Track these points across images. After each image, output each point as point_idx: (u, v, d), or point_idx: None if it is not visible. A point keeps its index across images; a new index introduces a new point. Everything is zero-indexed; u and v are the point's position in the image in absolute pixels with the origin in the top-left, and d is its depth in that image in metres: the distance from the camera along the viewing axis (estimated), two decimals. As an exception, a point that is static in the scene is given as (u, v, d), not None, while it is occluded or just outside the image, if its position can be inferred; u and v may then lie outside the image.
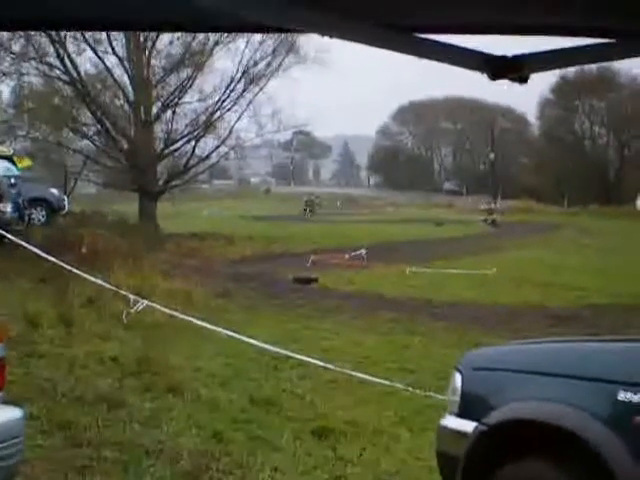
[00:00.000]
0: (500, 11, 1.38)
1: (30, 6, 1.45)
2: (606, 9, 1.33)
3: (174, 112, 34.36)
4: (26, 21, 1.70)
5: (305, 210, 52.48)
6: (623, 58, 1.47)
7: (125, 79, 33.53)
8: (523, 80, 1.32)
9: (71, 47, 30.90)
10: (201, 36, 29.14)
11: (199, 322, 11.70)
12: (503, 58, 1.30)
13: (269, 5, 1.28)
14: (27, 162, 26.36)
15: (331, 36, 1.42)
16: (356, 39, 1.36)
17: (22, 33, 26.23)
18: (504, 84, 1.38)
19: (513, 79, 1.31)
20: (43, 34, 27.69)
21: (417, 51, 1.33)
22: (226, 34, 29.94)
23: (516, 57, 1.30)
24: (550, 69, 1.37)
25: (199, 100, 34.50)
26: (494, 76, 1.30)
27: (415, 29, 1.37)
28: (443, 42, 1.31)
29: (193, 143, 34.57)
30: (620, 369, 4.57)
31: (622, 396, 4.36)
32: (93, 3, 1.42)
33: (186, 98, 34.25)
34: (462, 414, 5.09)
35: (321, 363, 10.06)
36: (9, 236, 15.68)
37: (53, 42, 29.99)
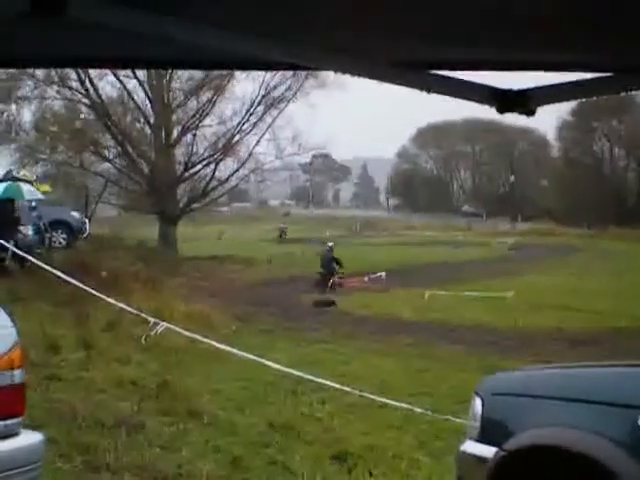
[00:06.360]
0: (501, 48, 1.42)
1: (55, 45, 1.48)
2: (607, 44, 1.36)
3: (194, 135, 34.62)
4: (52, 58, 1.74)
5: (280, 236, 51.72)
6: (627, 91, 1.49)
7: (146, 103, 33.82)
8: (530, 113, 1.34)
9: (92, 71, 31.22)
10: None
11: (218, 345, 11.71)
12: (509, 92, 1.33)
13: (276, 44, 1.30)
14: (45, 188, 26.51)
15: (340, 72, 1.45)
16: (365, 75, 1.39)
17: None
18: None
19: (520, 112, 1.34)
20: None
21: (425, 85, 1.35)
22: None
23: (521, 91, 1.33)
24: (556, 102, 1.40)
25: (219, 123, 34.77)
26: (501, 109, 1.33)
27: (422, 65, 1.40)
28: (451, 76, 1.34)
29: (213, 166, 34.76)
30: (640, 394, 4.54)
31: (642, 422, 4.33)
32: (107, 42, 1.44)
33: (206, 121, 34.53)
34: (482, 439, 5.06)
35: (340, 387, 10.02)
36: (31, 258, 15.78)
37: (75, 67, 30.29)
